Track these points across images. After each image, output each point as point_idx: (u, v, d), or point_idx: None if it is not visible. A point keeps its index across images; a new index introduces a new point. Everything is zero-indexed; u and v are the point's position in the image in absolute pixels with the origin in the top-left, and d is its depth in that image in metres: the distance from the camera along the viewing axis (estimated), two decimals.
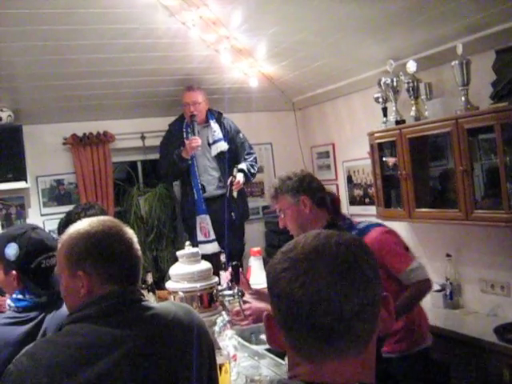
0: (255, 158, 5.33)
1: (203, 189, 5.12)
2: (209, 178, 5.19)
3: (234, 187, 4.90)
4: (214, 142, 5.13)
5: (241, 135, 5.31)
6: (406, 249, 3.11)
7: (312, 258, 1.06)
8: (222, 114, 5.28)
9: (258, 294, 3.03)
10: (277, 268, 1.09)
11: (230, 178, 4.91)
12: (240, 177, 4.98)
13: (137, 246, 1.76)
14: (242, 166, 5.10)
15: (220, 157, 5.16)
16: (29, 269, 2.24)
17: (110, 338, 1.58)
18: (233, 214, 4.99)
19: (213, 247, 4.90)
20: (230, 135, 5.23)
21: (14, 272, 2.24)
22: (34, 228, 2.38)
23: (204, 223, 5.04)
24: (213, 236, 5.01)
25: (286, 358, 1.13)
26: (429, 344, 3.17)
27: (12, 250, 2.25)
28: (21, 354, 1.58)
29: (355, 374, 1.05)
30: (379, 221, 3.82)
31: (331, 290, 1.02)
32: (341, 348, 1.03)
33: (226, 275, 2.97)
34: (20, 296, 2.23)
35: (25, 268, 2.24)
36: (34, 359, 1.54)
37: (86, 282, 1.66)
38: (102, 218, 1.80)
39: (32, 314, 2.19)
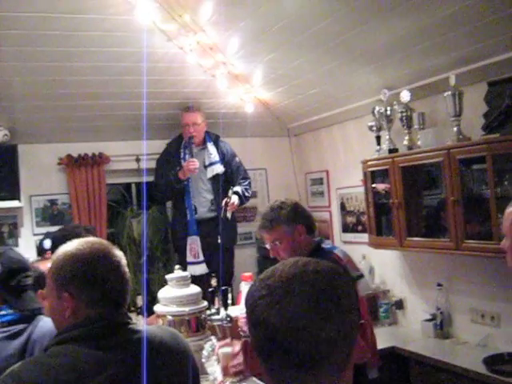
0: (249, 183, 5.34)
1: (195, 210, 5.12)
2: (201, 200, 5.19)
3: (228, 208, 4.89)
4: (210, 164, 5.15)
5: (237, 159, 5.32)
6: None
7: (289, 285, 1.06)
8: (219, 136, 5.30)
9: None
10: (254, 295, 1.09)
11: (225, 199, 4.91)
12: (235, 199, 4.98)
13: (125, 268, 1.75)
14: (237, 188, 5.10)
15: (215, 179, 5.17)
16: (8, 286, 2.32)
17: (94, 361, 1.57)
18: (219, 237, 4.97)
19: (201, 269, 4.91)
20: (227, 159, 5.24)
21: None
22: (11, 249, 2.49)
23: (194, 244, 5.04)
24: (201, 258, 5.01)
25: None
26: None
27: None
28: (6, 374, 1.57)
29: None
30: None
31: (307, 317, 1.02)
32: (316, 375, 1.03)
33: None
34: (3, 312, 2.30)
35: (5, 285, 2.32)
36: (18, 379, 1.53)
37: (70, 304, 1.65)
38: (91, 239, 1.80)
39: (20, 326, 2.25)
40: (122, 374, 1.58)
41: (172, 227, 5.39)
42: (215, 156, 5.17)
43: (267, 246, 3.01)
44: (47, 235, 4.32)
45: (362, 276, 3.08)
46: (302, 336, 1.01)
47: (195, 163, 4.96)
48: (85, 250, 1.71)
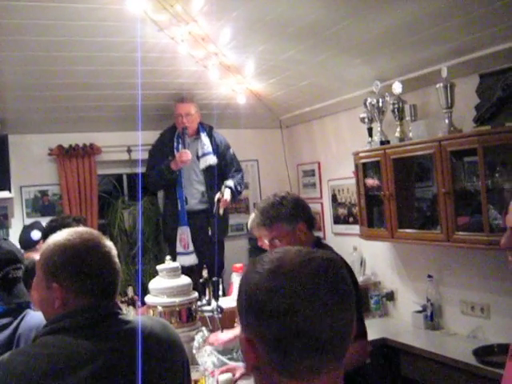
0: (242, 176, 5.34)
1: (186, 201, 5.11)
2: (193, 192, 5.18)
3: (220, 205, 4.88)
4: (203, 155, 5.14)
5: (231, 151, 5.32)
6: None
7: (305, 274, 1.07)
8: (213, 128, 5.29)
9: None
10: (266, 286, 1.07)
11: (218, 194, 4.89)
12: (227, 194, 4.96)
13: (115, 259, 1.74)
14: (230, 183, 5.08)
15: (207, 171, 5.16)
16: None
17: (84, 351, 1.56)
18: (209, 229, 4.97)
19: (191, 259, 4.92)
20: (220, 150, 5.23)
21: None
22: (5, 239, 2.45)
23: (184, 235, 5.04)
24: (191, 248, 5.02)
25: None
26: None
27: None
28: None
29: None
30: None
31: (330, 305, 1.04)
32: (329, 363, 1.06)
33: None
34: None
35: None
36: (6, 369, 1.52)
37: (59, 294, 1.64)
38: (80, 229, 1.79)
39: (4, 320, 2.22)
40: (112, 364, 1.58)
41: (163, 217, 5.38)
42: (208, 147, 5.16)
43: (265, 242, 2.87)
44: (32, 226, 4.28)
45: None
46: (326, 324, 1.03)
47: (188, 154, 4.95)
48: (74, 240, 1.69)
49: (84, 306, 1.64)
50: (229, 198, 4.97)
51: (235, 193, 5.12)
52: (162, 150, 5.15)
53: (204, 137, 5.19)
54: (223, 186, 4.95)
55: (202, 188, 5.19)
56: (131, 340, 1.65)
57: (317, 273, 1.07)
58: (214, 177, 5.12)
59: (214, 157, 5.16)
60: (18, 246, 4.16)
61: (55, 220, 3.70)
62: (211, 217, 4.90)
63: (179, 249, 4.97)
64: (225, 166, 5.24)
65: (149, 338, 1.70)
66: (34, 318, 2.28)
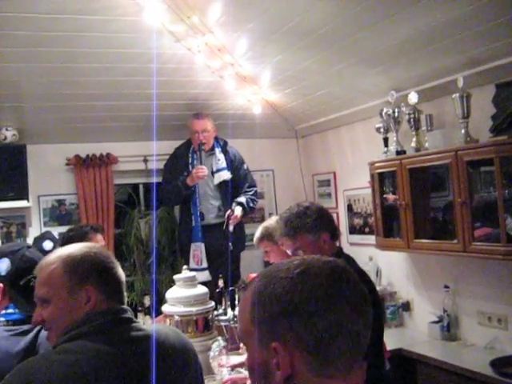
0: (256, 192, 5.34)
1: (202, 216, 5.12)
2: (208, 207, 5.20)
3: (230, 221, 4.90)
4: (218, 170, 5.15)
5: (245, 166, 5.33)
6: None
7: (331, 274, 1.11)
8: (227, 142, 5.31)
9: None
10: (300, 289, 1.09)
11: (228, 211, 4.92)
12: (238, 211, 4.98)
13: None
14: (242, 199, 5.10)
15: (222, 186, 5.18)
16: (17, 285, 2.31)
17: (105, 357, 1.58)
18: (231, 244, 4.98)
19: (203, 276, 4.80)
20: (234, 165, 5.25)
21: (0, 285, 2.30)
22: (29, 247, 2.47)
23: (197, 251, 5.03)
24: (205, 265, 5.00)
25: None
26: None
27: (3, 265, 2.33)
28: (16, 370, 1.57)
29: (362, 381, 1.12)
30: None
31: (358, 302, 1.10)
32: (359, 358, 1.10)
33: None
34: (11, 310, 2.31)
35: (14, 284, 2.30)
36: (29, 375, 1.52)
37: (93, 295, 1.69)
38: (89, 244, 1.85)
39: (25, 327, 2.24)
40: (130, 371, 1.59)
41: (179, 233, 5.40)
42: (223, 162, 5.17)
43: (288, 252, 2.84)
44: (43, 237, 4.30)
45: None
46: (364, 323, 1.09)
47: (204, 170, 4.96)
48: (93, 249, 1.76)
49: (106, 310, 1.69)
50: (239, 214, 4.98)
51: (247, 209, 5.13)
52: (177, 166, 5.18)
53: (218, 152, 5.20)
54: (234, 203, 4.96)
55: (217, 203, 5.21)
56: (147, 346, 1.67)
57: (339, 272, 1.12)
58: (229, 191, 5.14)
59: (228, 172, 5.17)
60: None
61: (73, 229, 3.73)
62: (230, 232, 4.92)
63: (192, 265, 4.93)
64: (238, 181, 5.25)
65: (164, 345, 1.72)
66: None
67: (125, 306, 1.74)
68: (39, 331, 2.25)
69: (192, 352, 1.82)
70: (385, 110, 4.31)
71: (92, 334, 1.62)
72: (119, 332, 1.66)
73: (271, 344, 1.07)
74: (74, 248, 1.76)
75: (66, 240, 3.51)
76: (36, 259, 2.41)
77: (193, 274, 2.85)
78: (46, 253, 4.02)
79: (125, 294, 1.79)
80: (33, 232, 5.07)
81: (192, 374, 1.77)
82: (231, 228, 4.89)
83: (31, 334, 2.23)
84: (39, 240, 4.21)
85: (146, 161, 5.48)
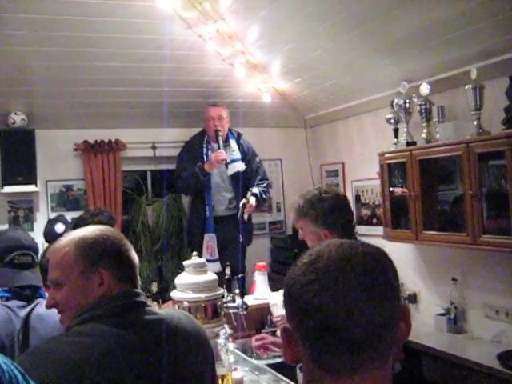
0: (268, 185, 5.35)
1: (213, 207, 5.13)
2: (220, 199, 5.21)
3: (246, 210, 4.90)
4: (232, 161, 5.13)
5: (257, 159, 5.34)
6: None
7: (340, 269, 1.03)
8: (241, 134, 5.31)
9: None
10: (301, 280, 1.05)
11: (243, 200, 4.91)
12: (253, 201, 4.98)
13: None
14: (255, 190, 5.10)
15: (234, 178, 5.18)
16: (2, 262, 2.42)
17: (117, 340, 1.57)
18: (241, 236, 4.99)
19: (215, 267, 4.77)
20: (248, 158, 5.25)
21: None
22: (16, 228, 2.59)
23: (211, 242, 5.04)
24: (217, 256, 5.01)
25: (298, 372, 1.12)
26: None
27: None
28: (27, 352, 1.58)
29: None
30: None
31: (363, 301, 1.00)
32: (368, 360, 1.02)
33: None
34: (6, 288, 2.41)
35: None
36: (43, 358, 1.52)
37: (106, 278, 1.68)
38: (101, 226, 1.84)
39: (20, 303, 2.35)
40: (144, 354, 1.59)
41: (188, 223, 5.39)
42: (237, 153, 5.17)
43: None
44: (57, 219, 4.31)
45: None
46: (359, 321, 0.99)
47: (223, 154, 4.96)
48: (105, 231, 1.76)
49: (120, 293, 1.68)
50: (254, 203, 4.99)
51: (260, 200, 5.14)
52: (191, 156, 5.17)
53: (233, 143, 5.20)
54: (249, 193, 4.95)
55: (229, 195, 5.21)
56: (160, 330, 1.67)
57: (353, 270, 1.03)
58: (241, 184, 5.14)
59: (243, 164, 5.17)
60: (43, 239, 4.20)
61: (89, 213, 3.73)
62: (238, 223, 4.92)
63: (205, 255, 4.92)
64: (251, 174, 5.25)
65: (177, 329, 1.72)
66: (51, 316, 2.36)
67: (138, 290, 1.73)
68: (32, 309, 2.32)
69: (204, 336, 1.81)
70: (396, 101, 4.29)
71: (105, 317, 1.61)
72: (132, 315, 1.66)
73: (285, 326, 1.09)
74: (87, 231, 1.75)
75: (78, 224, 3.51)
76: (20, 237, 2.53)
77: (202, 260, 2.84)
78: (57, 235, 4.06)
79: (138, 277, 1.78)
80: (40, 217, 5.08)
81: (205, 358, 1.77)
82: (246, 217, 4.89)
83: (26, 310, 2.33)
84: (52, 222, 4.23)
85: (154, 148, 5.48)
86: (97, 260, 1.69)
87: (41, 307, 2.37)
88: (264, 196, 5.22)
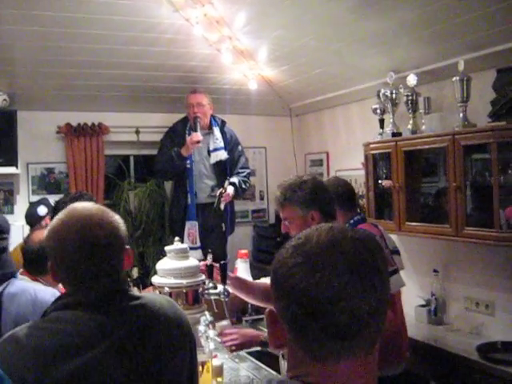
0: (249, 174, 5.33)
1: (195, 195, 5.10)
2: (202, 186, 5.17)
3: (222, 199, 4.88)
4: (215, 149, 5.12)
5: (240, 147, 5.31)
6: (392, 252, 3.11)
7: (328, 253, 1.02)
8: (225, 122, 5.27)
9: (238, 282, 2.99)
10: (288, 262, 1.04)
11: (220, 189, 4.90)
12: (230, 190, 4.97)
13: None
14: (234, 179, 5.09)
15: (217, 166, 5.15)
16: None
17: (98, 327, 1.55)
18: (223, 225, 4.99)
19: (197, 254, 4.71)
20: (230, 146, 5.22)
21: None
22: None
23: (193, 229, 5.02)
24: (198, 243, 4.99)
25: (281, 359, 1.10)
26: (402, 367, 3.01)
27: None
28: (5, 338, 1.55)
29: (364, 375, 1.03)
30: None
31: (350, 287, 0.99)
32: (353, 347, 1.01)
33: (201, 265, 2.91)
34: None
35: None
36: (19, 344, 1.51)
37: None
38: (85, 204, 1.78)
39: None
40: (124, 341, 1.57)
41: (170, 210, 5.36)
42: (220, 142, 5.14)
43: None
44: (39, 202, 4.27)
45: (396, 271, 2.95)
46: (344, 307, 0.98)
47: (198, 136, 4.92)
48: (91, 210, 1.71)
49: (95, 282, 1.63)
50: (231, 193, 4.97)
51: (239, 190, 5.12)
52: (173, 141, 5.13)
53: (216, 131, 5.17)
54: (226, 182, 4.93)
55: (212, 182, 5.19)
56: (142, 315, 1.65)
57: (342, 254, 1.01)
58: (224, 172, 5.11)
59: (225, 152, 5.14)
60: (24, 221, 4.16)
61: (69, 196, 3.69)
62: (217, 210, 4.90)
63: (187, 243, 4.89)
64: (232, 162, 5.23)
65: (159, 315, 1.69)
66: (17, 285, 2.35)
67: (118, 277, 1.69)
68: (4, 289, 2.31)
69: (185, 321, 1.79)
70: (382, 91, 4.27)
71: (86, 304, 1.59)
72: (115, 302, 1.63)
73: (271, 309, 1.09)
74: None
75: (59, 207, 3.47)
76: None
77: (184, 245, 2.81)
78: (39, 218, 4.02)
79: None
80: (20, 200, 5.02)
81: (185, 344, 1.75)
82: (222, 206, 4.87)
83: None
84: (35, 205, 4.19)
85: (137, 132, 5.42)
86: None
87: (13, 286, 2.35)
88: (243, 186, 5.20)
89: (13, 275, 2.46)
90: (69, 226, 1.64)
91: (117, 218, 1.72)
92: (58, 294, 2.45)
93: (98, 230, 1.64)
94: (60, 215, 1.69)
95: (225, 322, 3.06)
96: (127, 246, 1.72)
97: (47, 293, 2.42)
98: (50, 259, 1.65)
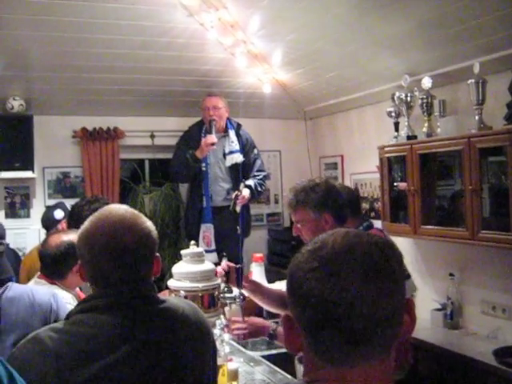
0: (265, 177, 5.32)
1: (211, 198, 5.11)
2: (218, 189, 5.18)
3: (238, 201, 4.87)
4: (230, 152, 5.13)
5: (255, 150, 5.30)
6: None
7: (344, 258, 1.01)
8: (241, 125, 5.28)
9: (254, 286, 2.99)
10: (303, 267, 1.03)
11: (236, 192, 4.90)
12: (246, 192, 4.96)
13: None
14: (250, 182, 5.09)
15: (233, 169, 5.16)
16: None
17: (121, 331, 1.56)
18: (238, 228, 4.99)
19: (212, 257, 4.73)
20: (246, 148, 5.22)
21: None
22: None
23: (208, 232, 5.02)
24: (213, 246, 4.99)
25: (297, 363, 1.10)
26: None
27: None
28: (29, 339, 1.56)
29: (380, 379, 1.02)
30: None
31: (365, 292, 0.98)
32: (369, 353, 1.00)
33: (220, 269, 2.91)
34: None
35: None
36: (42, 346, 1.51)
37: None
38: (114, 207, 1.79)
39: None
40: (146, 345, 1.57)
41: (185, 213, 5.37)
42: (236, 145, 5.15)
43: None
44: (56, 206, 4.29)
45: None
46: (359, 312, 0.97)
47: (213, 138, 4.93)
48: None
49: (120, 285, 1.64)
50: (247, 195, 4.96)
51: (255, 192, 5.11)
52: (189, 144, 5.13)
53: (232, 134, 5.18)
54: (242, 184, 4.93)
55: (227, 185, 5.19)
56: (165, 319, 1.65)
57: (357, 259, 1.01)
58: (239, 175, 5.11)
59: (241, 155, 5.15)
60: (40, 225, 4.18)
61: (85, 200, 3.71)
62: (234, 213, 4.90)
63: (202, 245, 4.90)
64: (248, 165, 5.22)
65: (182, 319, 1.69)
66: (14, 289, 2.37)
67: (144, 281, 1.69)
68: (2, 293, 2.31)
69: (207, 326, 1.78)
70: (397, 94, 4.25)
71: (109, 307, 1.59)
72: (138, 305, 1.63)
73: (287, 313, 1.09)
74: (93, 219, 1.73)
75: (76, 211, 3.48)
76: None
77: (200, 249, 2.82)
78: (56, 221, 4.04)
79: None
80: (36, 203, 5.07)
81: (207, 349, 1.74)
82: (238, 209, 4.87)
83: None
84: (51, 208, 4.21)
85: (152, 136, 5.45)
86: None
87: (10, 290, 2.36)
88: (259, 188, 5.19)
89: (10, 280, 2.48)
90: (99, 228, 1.65)
91: (149, 225, 1.74)
92: (56, 295, 2.48)
93: (127, 234, 1.65)
94: (93, 216, 1.71)
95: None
96: (157, 254, 1.73)
97: (45, 293, 2.43)
98: (80, 259, 1.67)
